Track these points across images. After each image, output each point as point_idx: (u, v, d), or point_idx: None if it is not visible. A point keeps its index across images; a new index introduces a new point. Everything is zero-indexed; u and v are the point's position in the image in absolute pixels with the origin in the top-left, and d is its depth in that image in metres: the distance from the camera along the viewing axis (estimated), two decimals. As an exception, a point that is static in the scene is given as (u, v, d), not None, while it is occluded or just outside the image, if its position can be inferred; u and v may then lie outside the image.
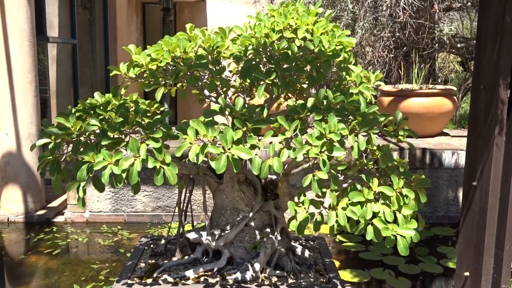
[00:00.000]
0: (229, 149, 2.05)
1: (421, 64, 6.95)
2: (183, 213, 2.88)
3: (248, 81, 2.62)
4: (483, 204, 3.33)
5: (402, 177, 2.31)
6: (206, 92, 2.58)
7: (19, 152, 5.57)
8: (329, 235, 2.19)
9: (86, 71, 8.40)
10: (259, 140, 2.17)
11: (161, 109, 2.78)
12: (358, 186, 2.27)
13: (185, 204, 2.87)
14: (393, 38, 7.24)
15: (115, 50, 8.82)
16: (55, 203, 5.96)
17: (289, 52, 2.31)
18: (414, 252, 4.74)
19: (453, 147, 5.83)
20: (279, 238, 2.71)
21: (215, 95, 2.66)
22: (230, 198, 2.66)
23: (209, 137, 2.08)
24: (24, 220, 5.65)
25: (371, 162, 2.60)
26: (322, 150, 2.05)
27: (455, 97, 6.43)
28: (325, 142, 2.06)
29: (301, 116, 2.13)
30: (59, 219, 5.74)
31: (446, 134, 6.66)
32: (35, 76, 5.61)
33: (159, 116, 2.27)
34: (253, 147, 2.09)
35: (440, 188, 5.67)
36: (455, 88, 6.61)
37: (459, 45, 7.50)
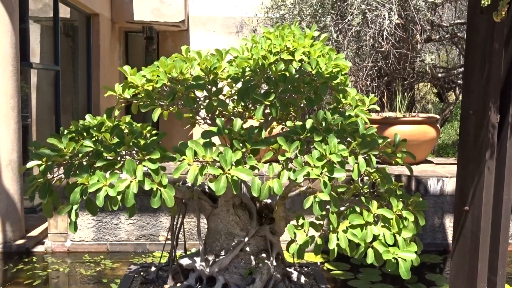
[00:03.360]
0: (228, 170, 2.01)
1: (403, 93, 7.05)
2: (175, 238, 2.80)
3: (242, 104, 2.61)
4: (475, 229, 3.33)
5: (400, 199, 2.30)
6: (201, 114, 2.55)
7: (-1, 179, 5.41)
8: (330, 259, 2.13)
9: (68, 99, 8.31)
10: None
11: (153, 132, 2.74)
12: (357, 209, 2.24)
13: (177, 229, 2.79)
14: (376, 68, 7.35)
15: (97, 78, 8.76)
16: (35, 232, 5.78)
17: (287, 73, 2.30)
18: (402, 280, 4.70)
19: (438, 174, 5.87)
20: (274, 263, 2.65)
21: (206, 116, 2.64)
22: (225, 223, 2.61)
23: (208, 158, 2.04)
24: (2, 250, 5.45)
25: (366, 186, 2.59)
26: (323, 171, 2.02)
27: (438, 125, 6.52)
28: (326, 163, 2.04)
29: (301, 137, 2.10)
30: (39, 248, 5.56)
31: (430, 162, 6.73)
32: (18, 101, 5.51)
33: (155, 137, 2.23)
34: (252, 168, 2.06)
35: (426, 215, 5.68)
36: (438, 117, 6.71)
37: (439, 75, 7.65)
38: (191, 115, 2.75)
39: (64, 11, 8.10)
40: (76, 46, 8.74)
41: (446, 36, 8.09)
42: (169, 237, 2.75)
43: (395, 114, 6.52)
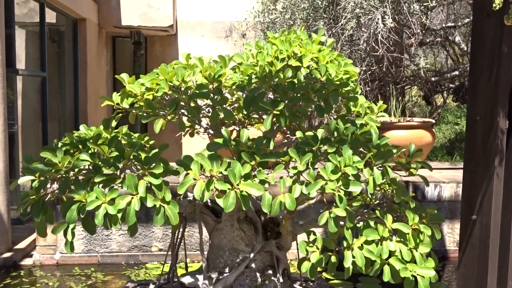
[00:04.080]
0: (237, 184, 1.87)
1: (397, 97, 6.98)
2: (175, 254, 2.66)
3: (244, 112, 2.48)
4: (484, 238, 3.22)
5: (416, 212, 2.18)
6: (203, 123, 2.41)
7: (-15, 190, 5.21)
8: (345, 277, 2.01)
9: (55, 105, 8.11)
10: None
11: (151, 142, 2.60)
12: (371, 223, 2.12)
13: (177, 244, 2.65)
14: (369, 72, 7.27)
15: (84, 84, 8.58)
16: (22, 244, 5.57)
17: (295, 81, 2.18)
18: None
19: (435, 180, 5.79)
20: (281, 280, 2.51)
21: (209, 126, 2.50)
22: (229, 238, 2.47)
23: (215, 172, 1.90)
24: (-12, 264, 5.24)
25: (374, 197, 2.47)
26: (338, 184, 1.90)
27: (433, 130, 6.45)
28: (341, 176, 1.91)
29: (313, 148, 1.98)
30: (27, 262, 5.35)
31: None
32: (4, 109, 5.32)
33: (157, 150, 2.09)
34: (262, 182, 1.93)
35: (424, 221, 5.59)
36: (433, 121, 6.64)
37: (433, 79, 7.60)
38: (190, 124, 2.61)
39: (51, 16, 7.91)
40: (63, 51, 8.55)
41: (437, 40, 8.05)
42: (165, 249, 2.59)
43: (390, 119, 6.44)
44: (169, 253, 2.64)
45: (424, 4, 6.37)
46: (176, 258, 2.71)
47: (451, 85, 9.12)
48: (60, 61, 8.50)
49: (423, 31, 7.08)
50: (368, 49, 7.08)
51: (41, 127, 7.36)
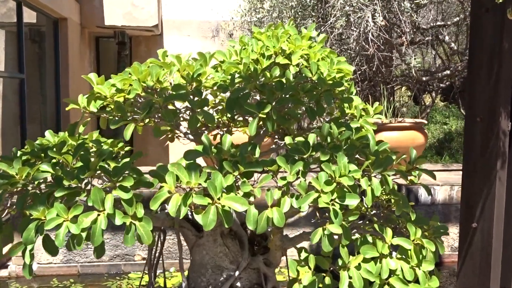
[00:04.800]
0: (218, 198, 1.64)
1: (388, 97, 6.79)
2: (153, 272, 2.42)
3: (229, 115, 2.25)
4: (486, 246, 3.03)
5: (417, 225, 1.96)
6: (182, 128, 2.18)
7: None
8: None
9: (35, 108, 7.81)
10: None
11: (126, 148, 2.36)
12: (369, 238, 1.91)
13: (155, 262, 2.41)
14: (359, 72, 7.08)
15: (66, 85, 8.30)
16: (-2, 255, 5.28)
17: (283, 80, 1.95)
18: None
19: (428, 182, 5.60)
20: (270, 299, 2.29)
21: (188, 131, 2.26)
22: (212, 254, 2.23)
23: (193, 184, 1.67)
24: (-40, 277, 4.96)
25: (370, 207, 2.25)
26: (333, 197, 1.68)
27: (425, 131, 6.27)
28: (336, 187, 1.69)
29: (304, 156, 1.75)
30: (2, 273, 5.07)
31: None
32: (-24, 113, 5.04)
33: (128, 159, 1.85)
34: (247, 195, 1.70)
35: (418, 226, 5.40)
36: (425, 122, 6.47)
37: (424, 78, 7.43)
38: (169, 128, 2.38)
39: (30, 16, 7.63)
40: (43, 52, 8.26)
41: (426, 39, 7.87)
42: (145, 256, 2.36)
43: (381, 119, 6.25)
44: (146, 271, 2.41)
45: (415, 1, 6.18)
46: (154, 277, 2.47)
47: (441, 85, 8.97)
48: (40, 62, 8.21)
49: (414, 30, 6.90)
50: (358, 48, 6.88)
51: (20, 130, 7.07)
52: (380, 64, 6.83)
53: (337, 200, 1.68)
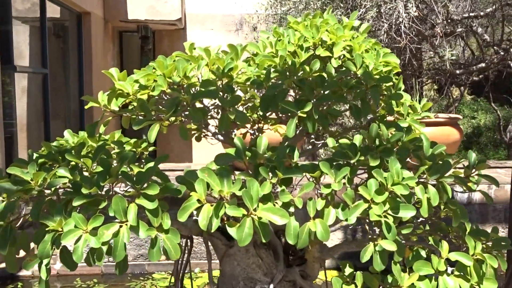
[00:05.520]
0: (254, 209, 1.45)
1: (420, 91, 6.52)
2: (179, 284, 2.24)
3: (260, 113, 2.05)
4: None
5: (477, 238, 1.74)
6: (211, 128, 1.99)
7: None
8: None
9: (59, 103, 7.75)
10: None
11: (150, 149, 2.18)
12: (422, 253, 1.69)
13: (182, 272, 2.24)
14: (389, 65, 6.78)
15: (90, 81, 8.21)
16: (20, 254, 5.20)
17: (325, 75, 1.74)
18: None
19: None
20: (307, 315, 2.09)
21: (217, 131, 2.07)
22: (244, 266, 2.04)
23: (226, 193, 1.48)
24: (-18, 276, 4.89)
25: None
26: (385, 208, 1.47)
27: (460, 126, 5.98)
28: (388, 197, 1.48)
29: (351, 161, 1.54)
30: (26, 272, 4.98)
31: (452, 166, 6.18)
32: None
33: (152, 163, 1.66)
34: (286, 205, 1.50)
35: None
36: (460, 117, 6.17)
37: (457, 72, 7.10)
38: (195, 127, 2.19)
39: (53, 10, 7.55)
40: (67, 47, 8.19)
41: (459, 30, 7.54)
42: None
43: (429, 117, 5.97)
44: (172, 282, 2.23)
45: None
46: (181, 284, 2.30)
47: (474, 78, 8.61)
48: (64, 57, 8.15)
49: (448, 21, 6.59)
50: (388, 40, 6.60)
51: (44, 127, 7.01)
52: (411, 56, 6.55)
53: (389, 211, 1.47)
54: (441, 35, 5.94)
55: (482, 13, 7.63)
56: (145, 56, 9.85)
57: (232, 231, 1.44)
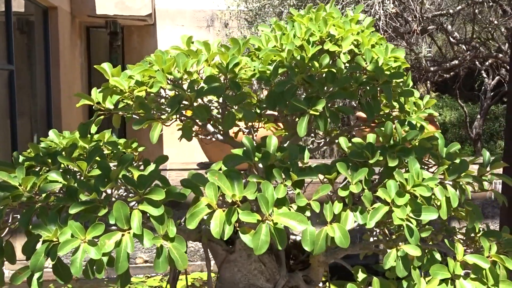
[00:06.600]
0: (270, 214, 1.35)
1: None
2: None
3: (258, 110, 1.95)
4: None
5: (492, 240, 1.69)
6: (210, 127, 1.87)
7: None
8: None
9: (25, 101, 7.44)
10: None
11: (140, 149, 2.06)
12: (437, 256, 1.62)
13: (176, 279, 2.11)
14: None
15: (57, 77, 7.92)
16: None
17: (334, 70, 1.65)
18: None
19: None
20: (310, 322, 2.00)
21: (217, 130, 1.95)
22: (245, 272, 1.94)
23: (238, 197, 1.37)
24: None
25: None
26: (407, 211, 1.39)
27: (437, 123, 6.03)
28: (409, 199, 1.40)
29: (369, 161, 1.46)
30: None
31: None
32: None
33: (153, 166, 1.54)
34: (302, 209, 1.40)
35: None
36: (437, 114, 6.22)
37: (432, 69, 7.17)
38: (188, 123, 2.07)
39: (19, 5, 7.24)
40: (33, 43, 7.87)
41: (430, 27, 7.61)
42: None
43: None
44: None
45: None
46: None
47: (446, 75, 8.72)
48: (30, 53, 7.82)
49: (423, 18, 6.64)
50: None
51: (10, 125, 6.71)
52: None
53: (411, 214, 1.40)
54: (417, 32, 5.97)
55: (451, 11, 7.72)
56: (114, 53, 9.60)
57: (246, 238, 1.34)
